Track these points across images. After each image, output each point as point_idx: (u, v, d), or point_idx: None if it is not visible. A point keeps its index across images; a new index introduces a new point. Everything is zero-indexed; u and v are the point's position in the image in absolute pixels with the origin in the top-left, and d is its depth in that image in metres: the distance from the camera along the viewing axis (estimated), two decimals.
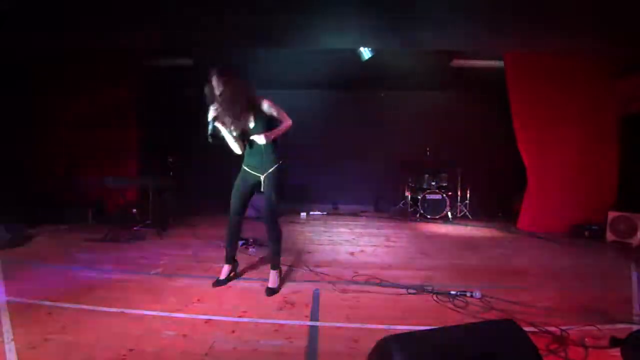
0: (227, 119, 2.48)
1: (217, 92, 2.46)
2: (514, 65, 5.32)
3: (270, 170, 2.57)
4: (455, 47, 5.17)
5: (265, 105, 2.53)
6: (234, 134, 2.53)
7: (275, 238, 2.65)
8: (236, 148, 2.62)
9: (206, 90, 2.49)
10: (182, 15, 4.10)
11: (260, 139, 2.46)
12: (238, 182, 2.65)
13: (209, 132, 2.46)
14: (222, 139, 2.57)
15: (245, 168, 2.66)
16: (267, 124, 2.55)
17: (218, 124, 2.50)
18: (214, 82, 2.46)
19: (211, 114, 2.45)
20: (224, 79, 2.44)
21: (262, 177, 2.59)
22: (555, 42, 4.62)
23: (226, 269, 2.74)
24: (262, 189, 2.61)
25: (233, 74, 2.48)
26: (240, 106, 2.45)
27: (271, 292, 2.55)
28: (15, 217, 3.85)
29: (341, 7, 3.90)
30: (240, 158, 2.72)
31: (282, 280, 2.77)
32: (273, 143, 2.58)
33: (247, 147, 2.63)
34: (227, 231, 2.69)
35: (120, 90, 5.60)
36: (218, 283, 2.67)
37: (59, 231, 4.55)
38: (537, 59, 5.18)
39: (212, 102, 2.49)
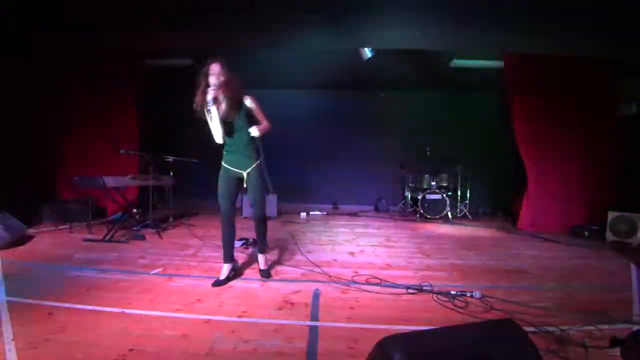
0: (223, 105, 2.61)
1: (213, 79, 2.50)
2: (514, 66, 5.32)
3: (251, 167, 2.69)
4: (454, 47, 5.17)
5: (248, 101, 2.67)
6: (221, 121, 2.59)
7: (263, 230, 2.88)
8: (218, 136, 2.62)
9: (203, 69, 2.55)
10: (182, 15, 4.10)
11: (254, 131, 2.62)
12: (221, 182, 2.72)
13: (208, 108, 2.49)
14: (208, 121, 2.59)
15: (226, 165, 2.72)
16: (250, 118, 2.68)
17: (213, 107, 2.51)
18: (215, 69, 2.52)
19: (212, 93, 2.46)
20: (227, 69, 2.56)
21: (244, 174, 2.67)
22: (555, 42, 4.62)
23: (226, 268, 2.76)
24: (244, 185, 2.70)
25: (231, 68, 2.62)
26: (236, 97, 2.61)
27: (266, 273, 2.79)
28: (16, 216, 3.85)
29: (341, 7, 3.90)
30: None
31: (282, 280, 2.80)
32: (254, 141, 2.71)
33: (227, 140, 2.68)
34: (221, 231, 2.75)
35: (120, 90, 5.61)
36: (218, 283, 2.68)
37: (59, 231, 4.55)
38: (537, 59, 5.17)
39: (203, 84, 2.53)
